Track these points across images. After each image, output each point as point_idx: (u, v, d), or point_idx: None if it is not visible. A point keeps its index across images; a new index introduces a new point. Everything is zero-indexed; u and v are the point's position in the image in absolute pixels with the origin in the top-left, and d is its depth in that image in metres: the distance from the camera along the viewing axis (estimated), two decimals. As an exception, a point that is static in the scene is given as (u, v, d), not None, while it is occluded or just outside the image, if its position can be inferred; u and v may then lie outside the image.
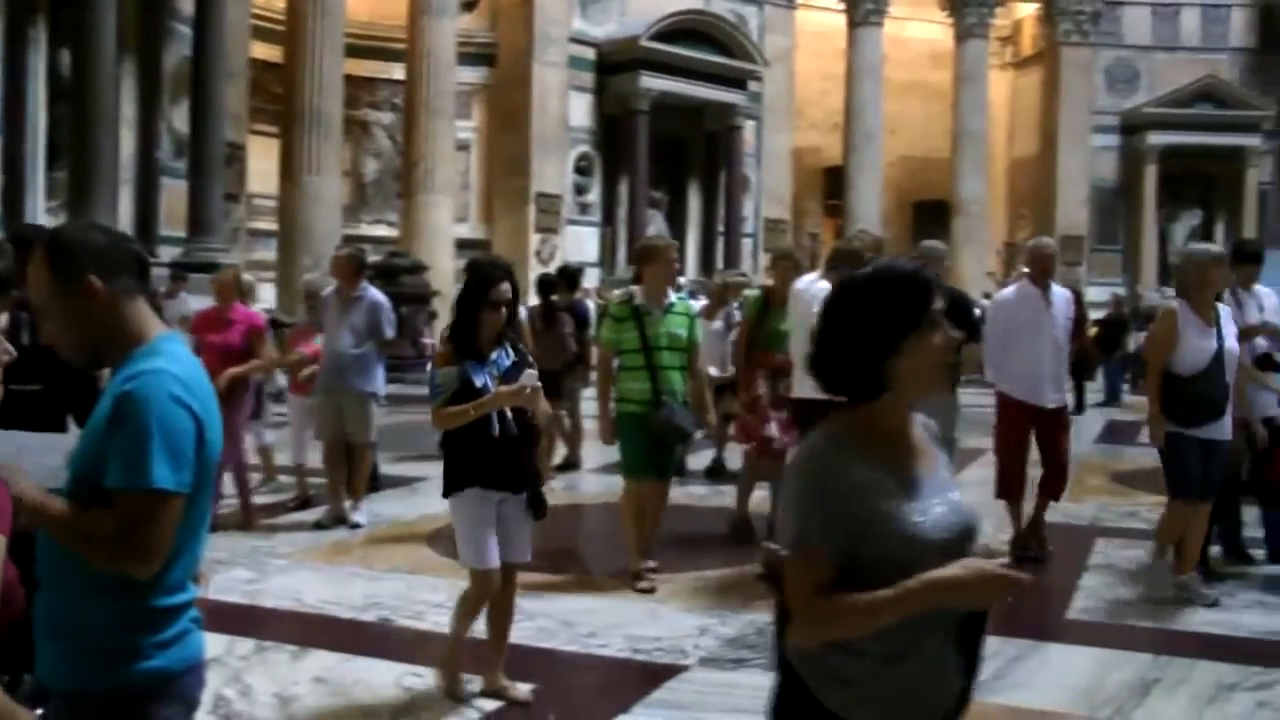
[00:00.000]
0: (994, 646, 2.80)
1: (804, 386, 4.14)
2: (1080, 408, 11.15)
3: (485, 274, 3.03)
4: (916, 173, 18.90)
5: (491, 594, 3.02)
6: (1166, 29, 18.56)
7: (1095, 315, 13.11)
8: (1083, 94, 18.19)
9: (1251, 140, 18.19)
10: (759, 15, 17.02)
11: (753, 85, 16.33)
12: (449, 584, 4.00)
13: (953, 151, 17.76)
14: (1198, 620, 4.01)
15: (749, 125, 16.56)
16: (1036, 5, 18.60)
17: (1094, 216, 18.38)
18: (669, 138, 15.96)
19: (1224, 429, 4.10)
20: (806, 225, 18.27)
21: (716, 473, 6.96)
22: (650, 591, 4.16)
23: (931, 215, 17.84)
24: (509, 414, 2.98)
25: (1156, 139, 17.93)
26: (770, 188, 16.99)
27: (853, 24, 17.47)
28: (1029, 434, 4.91)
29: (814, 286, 4.47)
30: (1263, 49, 18.56)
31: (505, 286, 3.00)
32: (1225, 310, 4.20)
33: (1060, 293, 4.94)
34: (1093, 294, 15.16)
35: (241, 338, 5.26)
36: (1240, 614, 4.10)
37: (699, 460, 7.10)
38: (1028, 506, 4.93)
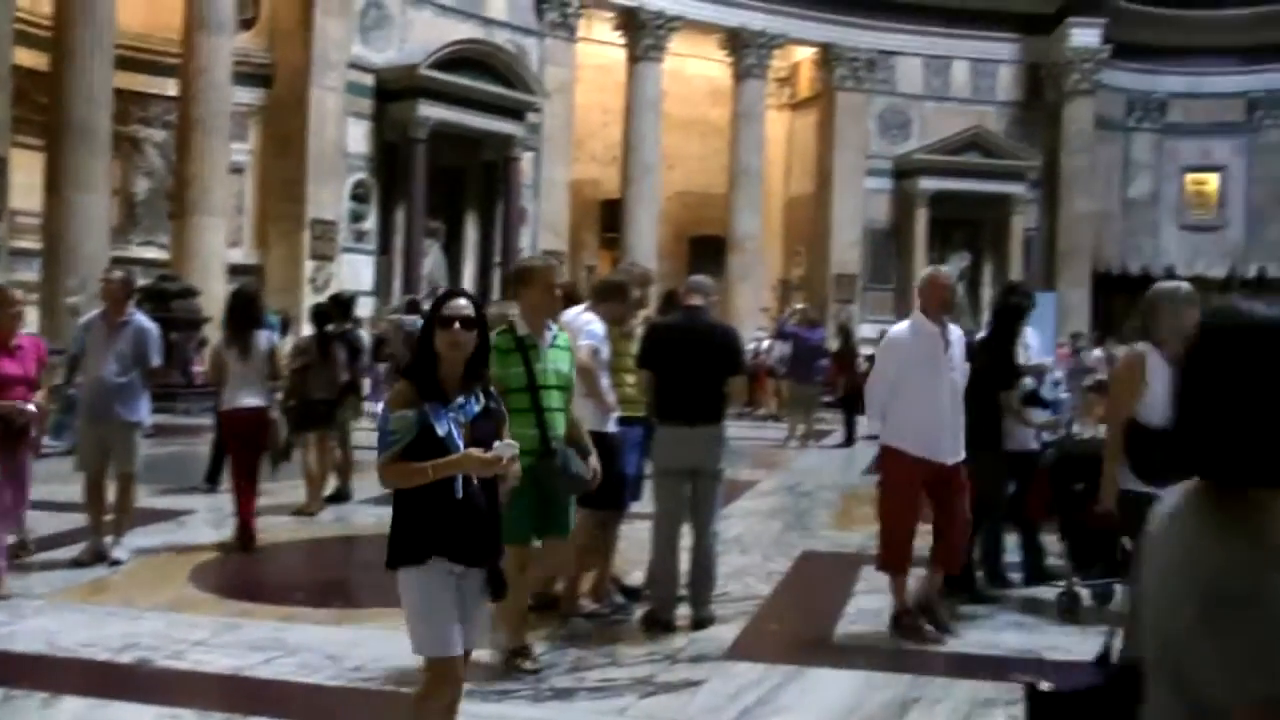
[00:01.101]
0: (759, 673, 4.59)
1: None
2: (850, 439, 15.27)
3: (443, 294, 3.36)
4: (694, 208, 24.78)
5: (455, 686, 3.25)
6: (938, 80, 25.22)
7: (867, 351, 18.82)
8: (857, 138, 24.51)
9: (1017, 188, 24.91)
10: (539, 47, 22.21)
11: (532, 116, 21.20)
12: (211, 621, 5.22)
13: (730, 188, 23.62)
14: (957, 642, 5.34)
15: (528, 156, 21.52)
16: (814, 50, 24.88)
17: (867, 256, 24.63)
18: (447, 167, 20.44)
19: None
20: (583, 257, 23.56)
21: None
22: (535, 673, 4.59)
23: (708, 250, 23.60)
24: (475, 477, 3.13)
25: (927, 184, 24.33)
26: (548, 219, 22.01)
27: (633, 59, 23.00)
28: (922, 495, 5.39)
29: (580, 319, 5.55)
30: (1027, 103, 25.53)
31: (461, 302, 3.24)
32: None
33: (955, 330, 5.45)
34: (865, 331, 21.27)
35: (35, 366, 6.03)
36: (999, 634, 5.51)
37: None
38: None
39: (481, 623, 3.31)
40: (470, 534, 3.18)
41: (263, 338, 7.44)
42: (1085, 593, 5.95)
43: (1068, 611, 5.87)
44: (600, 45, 23.62)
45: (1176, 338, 4.38)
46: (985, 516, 6.31)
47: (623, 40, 23.18)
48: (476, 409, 3.23)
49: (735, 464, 8.67)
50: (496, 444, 3.17)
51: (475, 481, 3.18)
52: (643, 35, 22.83)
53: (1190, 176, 27.58)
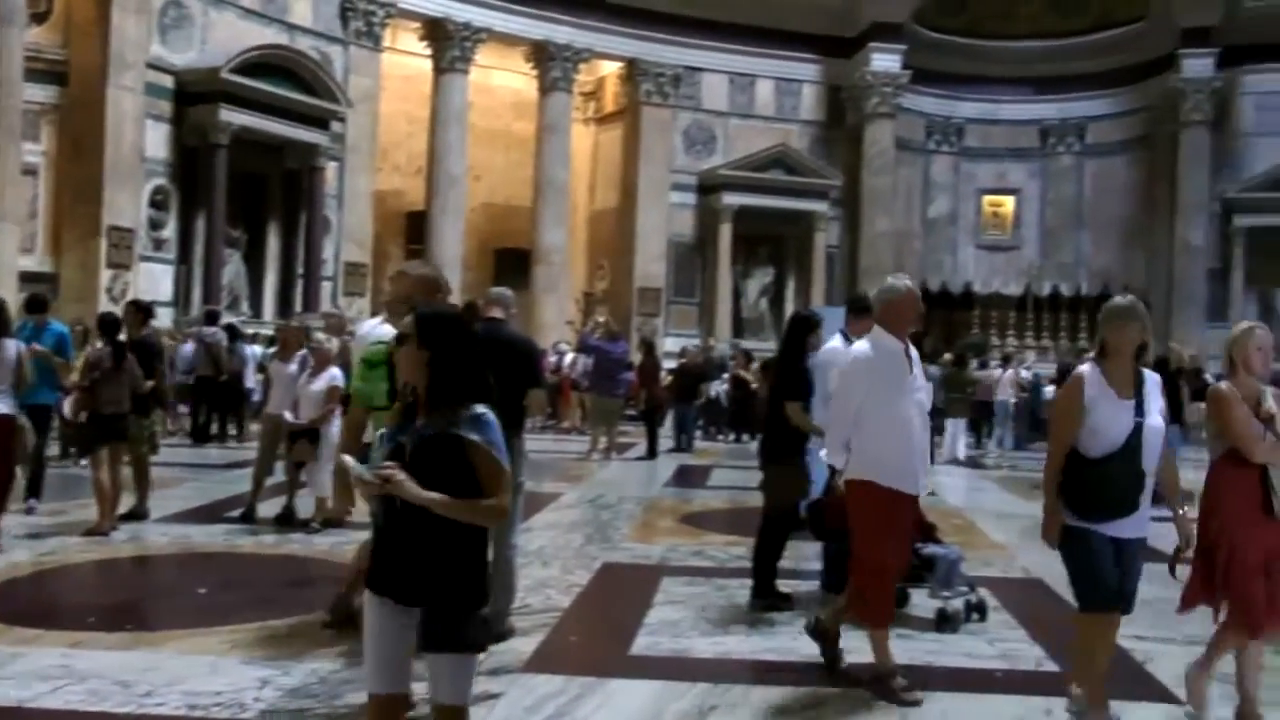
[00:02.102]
0: (557, 685, 5.57)
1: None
2: (653, 452, 18.17)
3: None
4: (499, 220, 29.14)
5: None
6: (743, 97, 30.24)
7: (670, 364, 22.78)
8: (662, 152, 29.24)
9: (820, 206, 30.06)
10: (344, 55, 25.92)
11: (336, 125, 24.79)
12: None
13: (535, 200, 27.99)
14: (756, 649, 6.53)
15: (332, 166, 25.19)
16: (620, 64, 29.55)
17: (671, 270, 29.33)
18: (249, 174, 23.69)
19: (1138, 525, 5.03)
20: (388, 269, 27.42)
21: (287, 520, 10.12)
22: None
23: (513, 262, 27.89)
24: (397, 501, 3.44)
25: (731, 199, 29.14)
26: (352, 230, 25.83)
27: (439, 70, 27.11)
28: (905, 530, 5.96)
29: (377, 330, 6.29)
30: (830, 123, 30.84)
31: (406, 320, 3.62)
32: (1153, 378, 5.12)
33: (914, 350, 5.93)
34: (669, 344, 25.88)
35: None
36: (795, 640, 6.58)
37: (269, 508, 10.38)
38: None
39: (442, 671, 3.56)
40: (390, 567, 3.53)
41: (10, 346, 8.67)
42: None
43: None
44: (406, 55, 27.85)
45: (1119, 357, 5.01)
46: (776, 527, 7.73)
47: (428, 51, 27.31)
48: (428, 432, 3.53)
49: (537, 477, 10.33)
50: (377, 467, 3.48)
51: (400, 508, 3.47)
52: (449, 46, 26.96)
53: (987, 198, 33.73)
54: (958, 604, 7.28)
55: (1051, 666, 6.42)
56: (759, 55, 30.16)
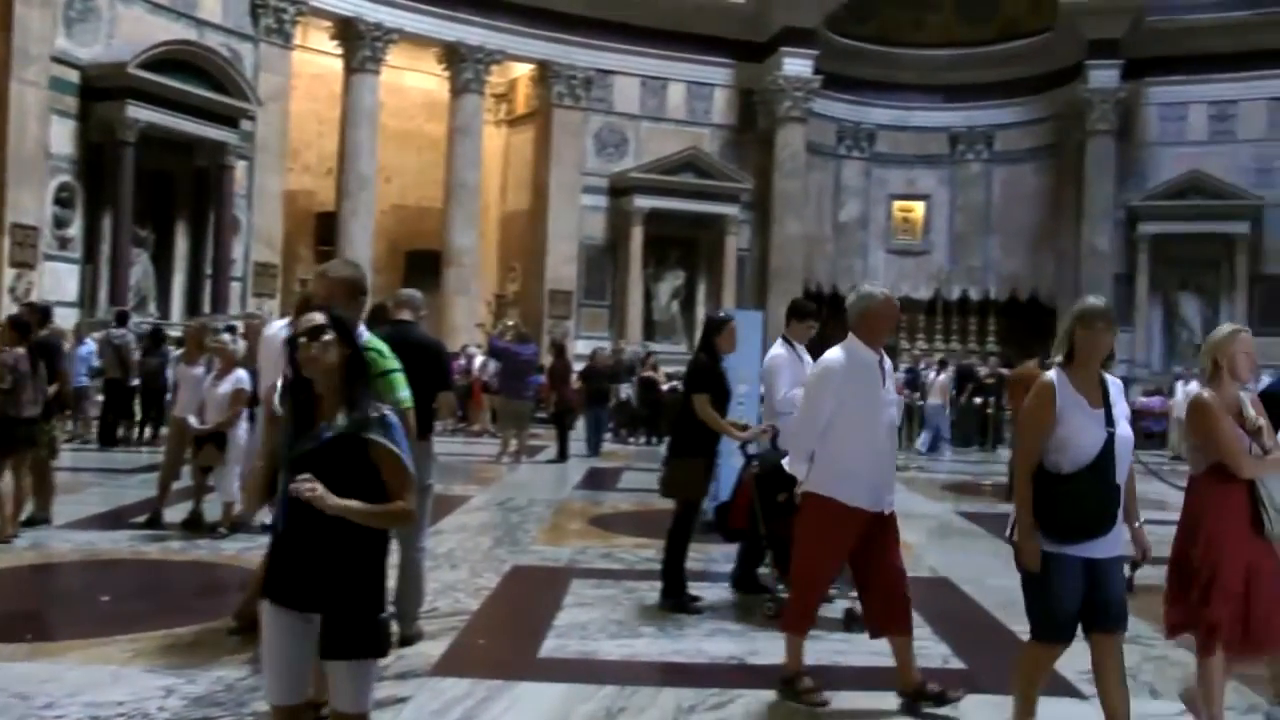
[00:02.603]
0: (465, 688, 5.76)
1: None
2: (564, 455, 18.86)
3: (300, 305, 3.84)
4: (410, 221, 30.13)
5: None
6: (654, 100, 31.45)
7: (579, 366, 23.72)
8: (573, 155, 30.35)
9: (731, 209, 31.33)
10: (254, 53, 26.51)
11: (246, 124, 25.33)
12: None
13: (446, 202, 28.98)
14: (664, 650, 6.89)
15: (241, 165, 25.80)
16: (532, 67, 30.65)
17: (583, 272, 30.45)
18: (157, 172, 23.99)
19: (1114, 543, 4.87)
20: (298, 270, 28.33)
21: (194, 525, 10.35)
22: None
23: (424, 264, 28.86)
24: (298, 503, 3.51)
25: (643, 202, 30.30)
26: (261, 230, 26.49)
27: (350, 69, 27.95)
28: (847, 550, 5.90)
29: (284, 332, 6.10)
30: (742, 127, 32.15)
31: (313, 315, 3.71)
32: (1115, 384, 5.02)
33: (887, 361, 6.00)
34: (580, 347, 27.02)
35: None
36: (703, 641, 7.10)
37: (176, 513, 10.61)
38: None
39: (342, 677, 3.66)
40: (290, 574, 3.60)
41: None
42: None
43: (774, 618, 7.47)
44: (316, 54, 28.73)
45: (1088, 363, 4.87)
46: (682, 523, 8.16)
47: (339, 50, 28.17)
48: (329, 435, 3.60)
49: (446, 480, 10.73)
50: (298, 483, 3.47)
51: (300, 513, 3.53)
52: (360, 46, 27.86)
53: (897, 204, 35.29)
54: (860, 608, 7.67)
55: (958, 664, 6.88)
56: (671, 59, 31.35)
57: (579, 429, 20.95)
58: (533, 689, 6.05)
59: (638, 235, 30.55)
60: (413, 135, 30.91)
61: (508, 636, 7.38)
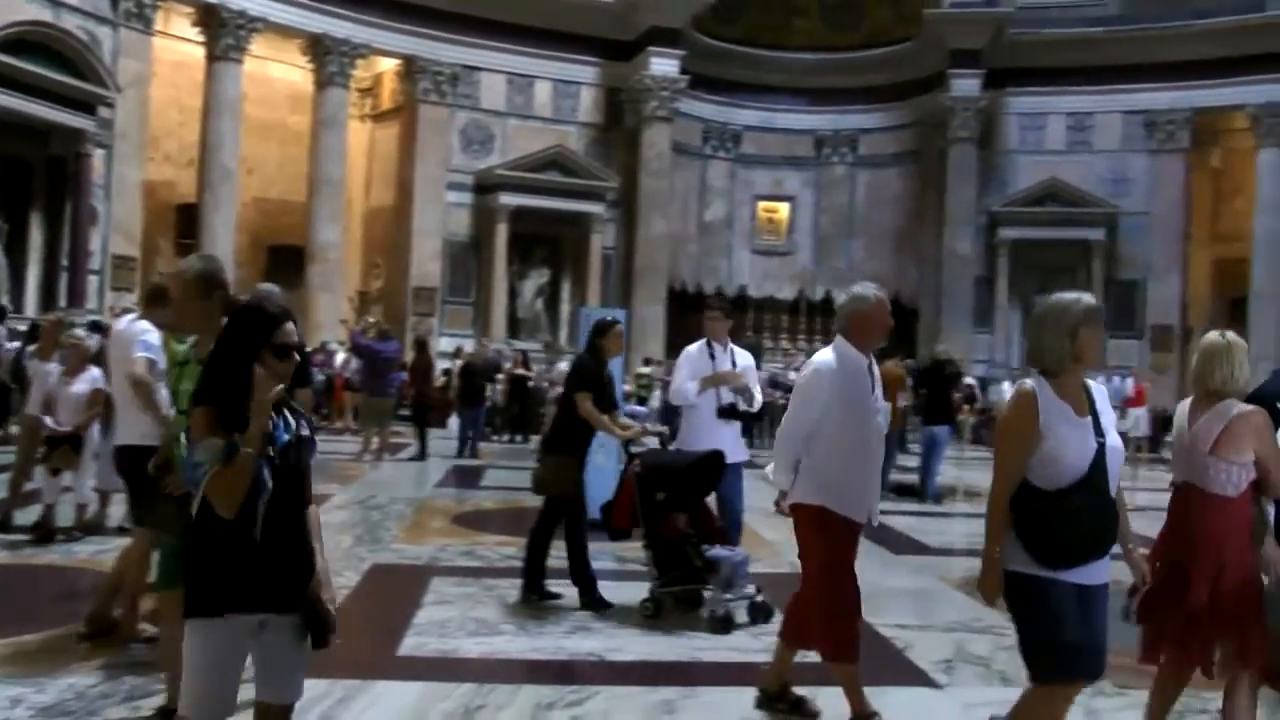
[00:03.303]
0: (322, 688, 5.81)
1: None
2: (424, 453, 19.22)
3: (264, 314, 3.83)
4: (273, 215, 31.13)
5: None
6: (521, 98, 32.85)
7: (443, 365, 24.81)
8: (439, 151, 31.59)
9: (596, 208, 32.85)
10: (113, 37, 26.82)
11: (104, 111, 25.66)
12: None
13: (310, 196, 29.97)
14: (524, 648, 7.20)
15: (99, 153, 26.26)
16: (397, 62, 31.84)
17: (447, 269, 31.69)
18: (11, 159, 24.40)
19: (1104, 567, 4.60)
20: (158, 264, 28.97)
21: (45, 528, 10.16)
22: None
23: (287, 259, 29.88)
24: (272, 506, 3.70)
25: (508, 199, 31.63)
26: (120, 221, 26.98)
27: (212, 57, 28.72)
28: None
29: (134, 326, 6.81)
30: (608, 126, 33.71)
31: (291, 328, 3.84)
32: (1100, 390, 4.76)
33: (875, 366, 6.02)
34: (444, 344, 28.30)
35: None
36: (563, 639, 7.42)
37: (25, 515, 10.55)
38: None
39: (292, 671, 3.89)
40: (274, 578, 3.74)
41: None
42: (669, 599, 8.23)
43: (652, 616, 8.07)
44: (178, 41, 29.53)
45: (1074, 369, 4.59)
46: (548, 519, 8.64)
47: (202, 37, 28.92)
48: (287, 438, 3.81)
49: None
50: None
51: (279, 516, 3.76)
52: (223, 34, 28.63)
53: (762, 204, 37.34)
54: (732, 608, 8.02)
55: (813, 658, 6.99)
56: (538, 56, 32.73)
57: (453, 429, 21.54)
58: (391, 688, 6.26)
59: (503, 232, 31.83)
60: (276, 127, 31.87)
61: (366, 636, 7.48)
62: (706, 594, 8.14)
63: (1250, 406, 5.30)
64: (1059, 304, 4.71)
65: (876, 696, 6.05)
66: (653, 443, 9.63)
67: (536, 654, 7.22)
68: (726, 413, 9.17)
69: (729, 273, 36.37)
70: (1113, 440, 4.69)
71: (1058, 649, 4.53)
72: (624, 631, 7.84)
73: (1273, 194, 31.92)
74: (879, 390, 6.04)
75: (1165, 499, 5.65)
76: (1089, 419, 4.64)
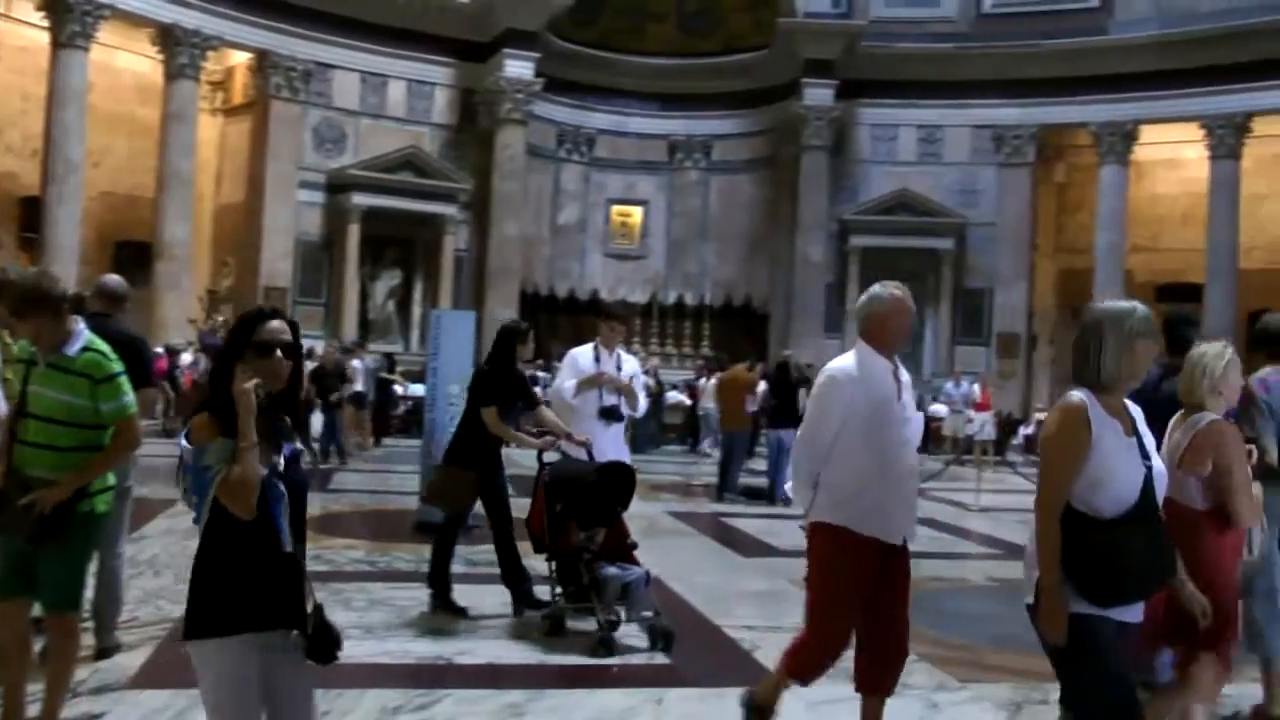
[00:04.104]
0: (164, 700, 5.99)
1: None
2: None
3: (250, 316, 3.91)
4: (121, 210, 31.88)
5: None
6: (375, 97, 34.09)
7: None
8: (291, 149, 32.64)
9: (449, 209, 34.20)
10: None
11: None
12: None
13: (159, 191, 30.75)
14: (372, 652, 7.36)
15: None
16: (249, 55, 32.85)
17: (298, 269, 32.77)
18: None
19: (1141, 606, 4.47)
20: (0, 259, 29.75)
21: None
22: None
23: (134, 256, 30.62)
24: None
25: (361, 200, 32.77)
26: None
27: (57, 44, 29.02)
28: (867, 587, 5.59)
29: None
30: (462, 128, 35.13)
31: (277, 324, 3.91)
32: (1135, 409, 4.58)
33: (903, 370, 5.85)
34: (294, 346, 29.34)
35: None
36: (410, 642, 7.66)
37: None
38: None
39: (306, 699, 4.00)
40: (289, 591, 3.84)
41: None
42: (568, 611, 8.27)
43: (550, 633, 8.13)
44: (21, 25, 30.08)
45: (1125, 381, 4.43)
46: (448, 530, 8.87)
47: (46, 23, 29.30)
48: (294, 446, 3.93)
49: (150, 481, 10.62)
50: None
51: (298, 531, 3.89)
52: (69, 20, 28.94)
53: (616, 208, 39.21)
54: (618, 630, 7.98)
55: (662, 659, 7.68)
56: (392, 56, 33.94)
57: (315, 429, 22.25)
58: None
59: (355, 233, 32.94)
60: (124, 119, 32.47)
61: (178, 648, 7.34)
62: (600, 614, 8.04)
63: (1213, 416, 5.42)
64: (1115, 313, 4.49)
65: (725, 698, 6.44)
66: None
67: (384, 658, 7.44)
68: (608, 414, 9.57)
69: (582, 276, 38.12)
70: (1158, 465, 4.53)
71: (1116, 693, 4.39)
72: (472, 635, 8.18)
73: (1113, 208, 34.81)
74: (908, 397, 5.87)
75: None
76: (1135, 439, 4.49)
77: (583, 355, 9.80)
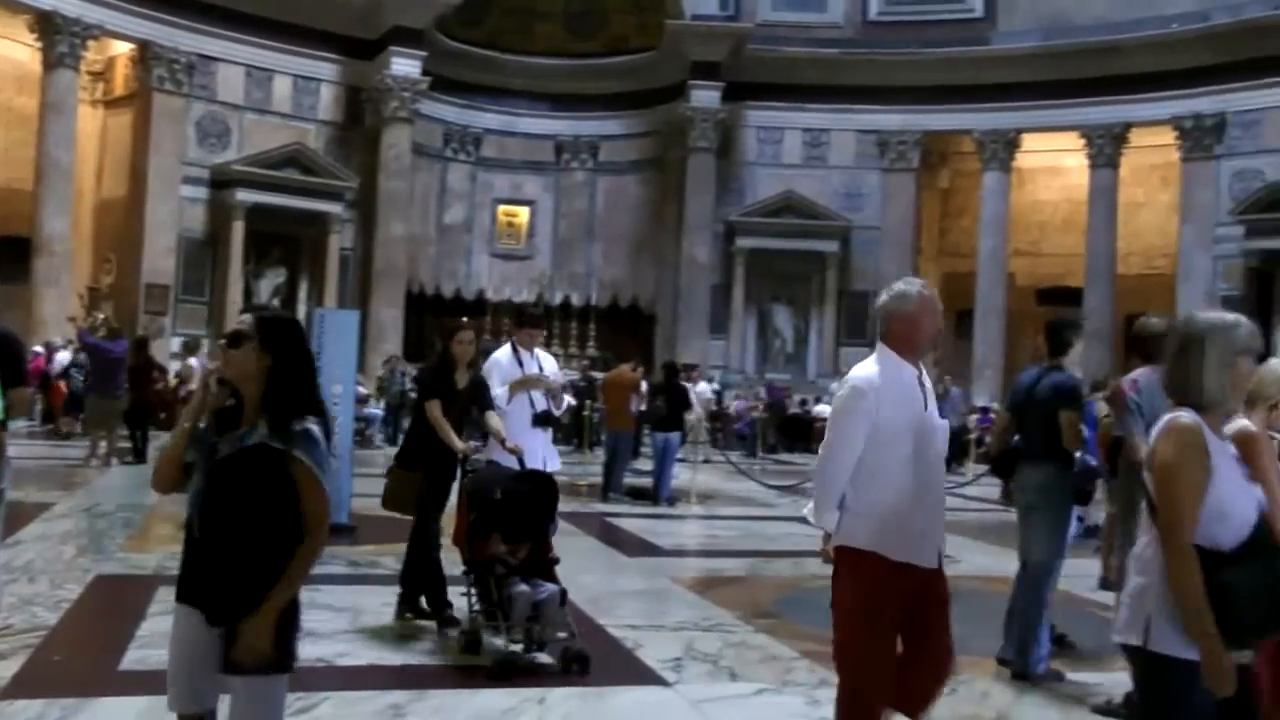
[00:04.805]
0: (38, 709, 5.92)
1: None
2: (141, 455, 19.16)
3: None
4: (-1, 203, 31.35)
5: None
6: (259, 91, 33.79)
7: (175, 365, 25.53)
8: (174, 143, 32.23)
9: (335, 208, 34.04)
10: None
11: None
12: None
13: (37, 184, 30.12)
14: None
15: None
16: (131, 46, 32.41)
17: (181, 266, 32.40)
18: None
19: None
20: None
21: None
22: None
23: (12, 251, 29.98)
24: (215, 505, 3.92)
25: (245, 196, 32.49)
26: None
27: (-71, 32, 29.11)
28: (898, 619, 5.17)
29: None
30: (347, 125, 34.99)
31: (243, 318, 4.06)
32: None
33: (926, 377, 5.37)
34: (175, 345, 29.05)
35: None
36: (307, 649, 6.65)
37: None
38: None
39: (243, 696, 3.95)
40: (202, 581, 3.96)
41: None
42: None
43: (465, 650, 7.74)
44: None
45: (1225, 403, 4.09)
46: (417, 539, 8.61)
47: (-83, 10, 28.96)
48: (251, 441, 3.91)
49: (24, 485, 10.73)
50: None
51: (223, 521, 3.91)
52: (-60, 7, 28.80)
53: (502, 208, 39.39)
54: (526, 651, 7.53)
55: (545, 658, 7.58)
56: (278, 50, 33.64)
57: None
58: (112, 704, 6.29)
59: (239, 230, 32.60)
60: (1, 110, 31.96)
61: (88, 651, 7.47)
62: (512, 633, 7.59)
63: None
64: (1219, 326, 4.12)
65: (606, 697, 6.54)
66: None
67: None
68: (542, 420, 9.44)
69: (468, 276, 38.19)
70: (1258, 491, 4.15)
71: None
72: (353, 637, 8.07)
73: (995, 214, 35.78)
74: (934, 407, 5.43)
75: None
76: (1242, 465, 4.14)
77: (504, 358, 9.59)
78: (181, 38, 32.15)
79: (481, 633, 7.75)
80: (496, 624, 7.54)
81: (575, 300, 37.76)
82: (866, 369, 5.31)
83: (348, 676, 7.13)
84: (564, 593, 7.69)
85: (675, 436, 19.03)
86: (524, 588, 7.52)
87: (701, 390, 24.00)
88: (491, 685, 7.02)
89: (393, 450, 11.31)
